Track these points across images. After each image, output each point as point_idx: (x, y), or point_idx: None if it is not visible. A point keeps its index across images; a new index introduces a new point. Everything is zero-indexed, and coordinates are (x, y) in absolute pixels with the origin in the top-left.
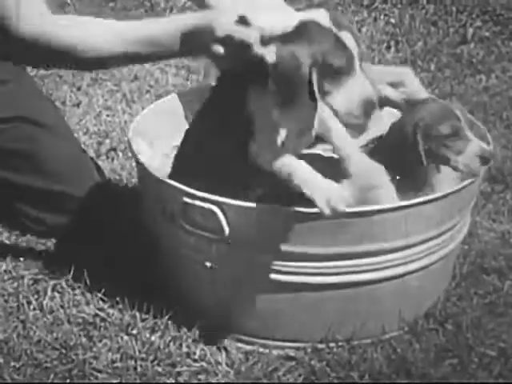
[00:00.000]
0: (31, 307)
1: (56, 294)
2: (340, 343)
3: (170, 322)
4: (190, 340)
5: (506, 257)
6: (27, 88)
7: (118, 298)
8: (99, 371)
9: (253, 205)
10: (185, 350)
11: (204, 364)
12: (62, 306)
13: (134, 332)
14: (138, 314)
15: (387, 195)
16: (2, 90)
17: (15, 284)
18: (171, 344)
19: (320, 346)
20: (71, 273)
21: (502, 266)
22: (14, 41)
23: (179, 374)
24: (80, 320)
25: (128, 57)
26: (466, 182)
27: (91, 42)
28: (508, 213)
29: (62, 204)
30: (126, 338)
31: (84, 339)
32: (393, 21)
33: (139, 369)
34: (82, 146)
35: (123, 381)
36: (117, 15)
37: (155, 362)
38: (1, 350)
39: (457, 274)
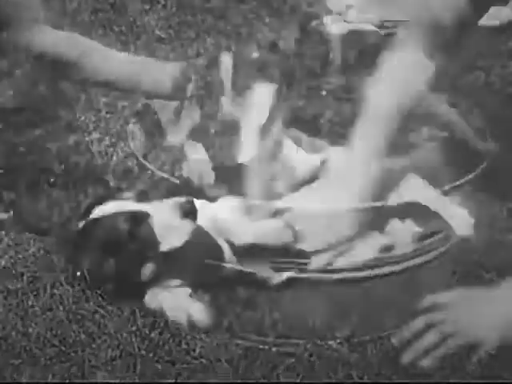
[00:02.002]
0: (30, 304)
1: (55, 291)
2: (340, 340)
3: None
4: (189, 337)
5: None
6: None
7: None
8: (98, 368)
9: None
10: (184, 347)
11: (204, 361)
12: (61, 303)
13: (134, 329)
14: (137, 311)
15: None
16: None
17: (14, 281)
18: (171, 341)
19: (320, 343)
20: (70, 270)
21: (501, 264)
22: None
23: (178, 371)
24: (79, 317)
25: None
26: None
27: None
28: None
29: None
30: (125, 334)
31: (83, 336)
32: None
33: (139, 366)
34: None
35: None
36: (116, 13)
37: (155, 359)
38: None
39: (457, 270)
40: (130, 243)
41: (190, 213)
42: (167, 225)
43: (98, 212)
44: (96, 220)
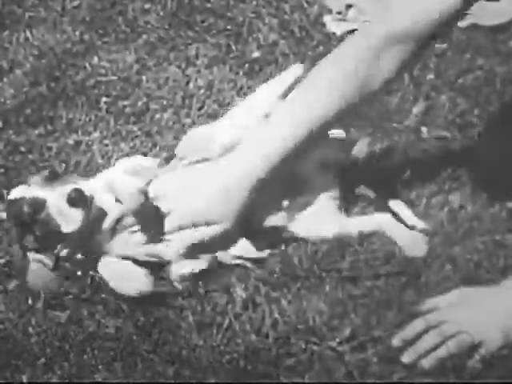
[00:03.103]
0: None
1: None
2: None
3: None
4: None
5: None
6: None
7: None
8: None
9: None
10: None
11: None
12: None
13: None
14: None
15: None
16: None
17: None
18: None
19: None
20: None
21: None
22: None
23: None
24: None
25: None
26: None
27: None
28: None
29: None
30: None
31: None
32: None
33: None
34: None
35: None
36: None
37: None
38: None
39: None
40: (34, 225)
41: (78, 201)
42: (59, 211)
43: (11, 195)
44: (10, 201)
